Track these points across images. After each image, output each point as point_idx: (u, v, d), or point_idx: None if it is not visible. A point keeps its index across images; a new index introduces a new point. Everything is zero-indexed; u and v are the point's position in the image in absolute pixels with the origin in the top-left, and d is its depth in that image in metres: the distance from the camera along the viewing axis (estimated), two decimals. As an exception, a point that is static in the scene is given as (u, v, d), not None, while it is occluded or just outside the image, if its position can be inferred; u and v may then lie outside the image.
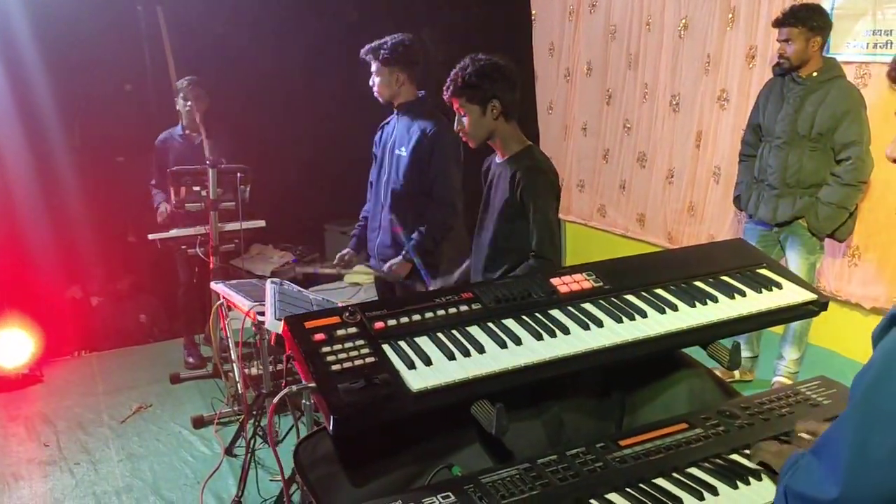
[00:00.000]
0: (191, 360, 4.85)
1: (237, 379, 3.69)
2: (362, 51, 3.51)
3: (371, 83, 3.53)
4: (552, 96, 6.47)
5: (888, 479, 1.01)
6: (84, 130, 5.41)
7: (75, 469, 3.73)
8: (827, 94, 3.69)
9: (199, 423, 4.08)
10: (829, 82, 3.71)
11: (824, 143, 3.72)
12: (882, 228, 4.19)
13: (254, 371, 4.00)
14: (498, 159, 2.79)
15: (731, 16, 4.86)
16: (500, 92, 2.63)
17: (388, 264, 3.52)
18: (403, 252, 3.47)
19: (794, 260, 3.89)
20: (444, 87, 2.70)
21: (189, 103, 4.52)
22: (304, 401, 2.85)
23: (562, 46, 6.27)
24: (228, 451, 3.75)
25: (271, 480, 3.40)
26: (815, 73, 3.74)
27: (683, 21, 5.20)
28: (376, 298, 3.96)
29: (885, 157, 1.34)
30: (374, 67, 3.49)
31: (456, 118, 2.72)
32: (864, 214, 4.08)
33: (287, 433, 3.42)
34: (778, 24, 3.75)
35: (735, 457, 1.60)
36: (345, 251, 3.80)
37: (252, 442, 3.28)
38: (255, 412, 3.40)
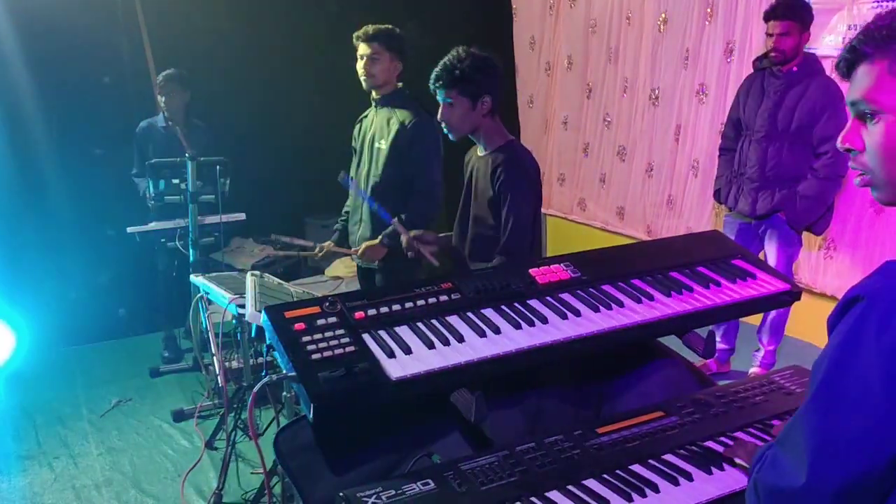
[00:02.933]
0: (166, 354, 4.83)
1: (217, 372, 3.68)
2: (364, 33, 3.39)
3: (363, 67, 3.42)
4: (532, 90, 6.49)
5: (852, 464, 1.02)
6: (62, 123, 5.34)
7: (55, 463, 3.70)
8: (807, 88, 3.72)
9: (179, 416, 4.07)
10: (809, 77, 3.74)
11: (804, 137, 3.76)
12: (857, 221, 4.25)
13: (234, 364, 3.99)
14: (480, 153, 2.77)
15: (709, 10, 4.90)
16: (492, 88, 2.61)
17: (363, 245, 3.49)
18: (380, 237, 3.43)
19: (773, 252, 3.93)
20: (436, 77, 2.60)
21: (163, 98, 4.53)
22: (284, 393, 2.85)
23: (542, 40, 6.29)
24: (209, 445, 3.75)
25: (252, 473, 3.40)
26: (795, 69, 3.77)
27: (663, 15, 5.23)
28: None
29: None
30: (370, 49, 3.38)
31: (441, 108, 2.63)
32: (839, 208, 4.14)
33: (268, 426, 3.43)
34: (775, 16, 3.69)
35: (710, 444, 1.63)
36: (326, 242, 3.80)
37: (233, 435, 3.28)
38: (235, 405, 3.40)
